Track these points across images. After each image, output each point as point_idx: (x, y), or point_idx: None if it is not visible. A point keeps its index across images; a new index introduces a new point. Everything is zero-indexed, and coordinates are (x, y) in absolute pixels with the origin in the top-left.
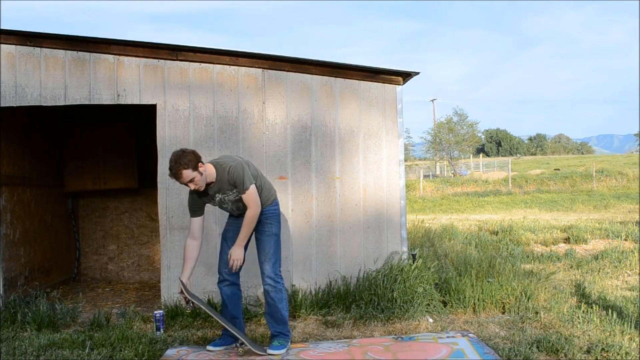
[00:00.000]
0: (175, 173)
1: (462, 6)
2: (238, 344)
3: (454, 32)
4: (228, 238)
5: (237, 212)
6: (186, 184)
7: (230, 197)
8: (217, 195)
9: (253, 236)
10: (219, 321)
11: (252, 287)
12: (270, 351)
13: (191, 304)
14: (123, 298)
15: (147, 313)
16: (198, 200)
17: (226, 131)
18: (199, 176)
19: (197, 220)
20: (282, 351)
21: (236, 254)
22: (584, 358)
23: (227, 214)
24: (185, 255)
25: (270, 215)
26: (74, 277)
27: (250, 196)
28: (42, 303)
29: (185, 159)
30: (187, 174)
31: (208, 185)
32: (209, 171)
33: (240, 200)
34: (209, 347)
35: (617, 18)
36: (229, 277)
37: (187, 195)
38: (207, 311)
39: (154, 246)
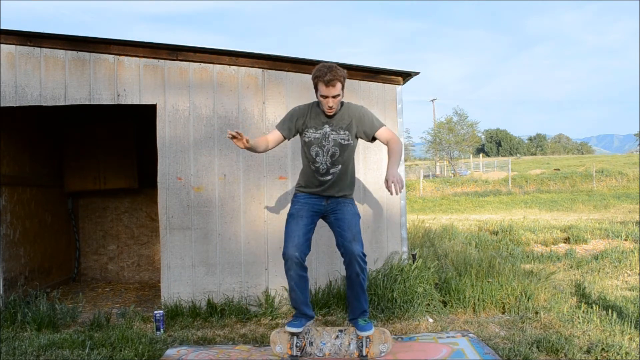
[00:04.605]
0: (332, 79)
1: (463, 6)
2: (297, 342)
3: (454, 32)
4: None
5: (328, 160)
6: (325, 97)
7: (337, 136)
8: (325, 126)
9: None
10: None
11: (252, 287)
12: (362, 333)
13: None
14: (123, 298)
15: (147, 313)
16: (300, 120)
17: (226, 131)
18: (341, 97)
19: (277, 135)
20: (372, 330)
21: (396, 175)
22: (584, 358)
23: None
24: (261, 137)
25: (351, 199)
26: (73, 277)
27: (388, 130)
28: (42, 303)
29: (343, 72)
30: (339, 87)
31: (328, 114)
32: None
33: (345, 149)
34: (288, 328)
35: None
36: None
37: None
38: None
39: (154, 246)
